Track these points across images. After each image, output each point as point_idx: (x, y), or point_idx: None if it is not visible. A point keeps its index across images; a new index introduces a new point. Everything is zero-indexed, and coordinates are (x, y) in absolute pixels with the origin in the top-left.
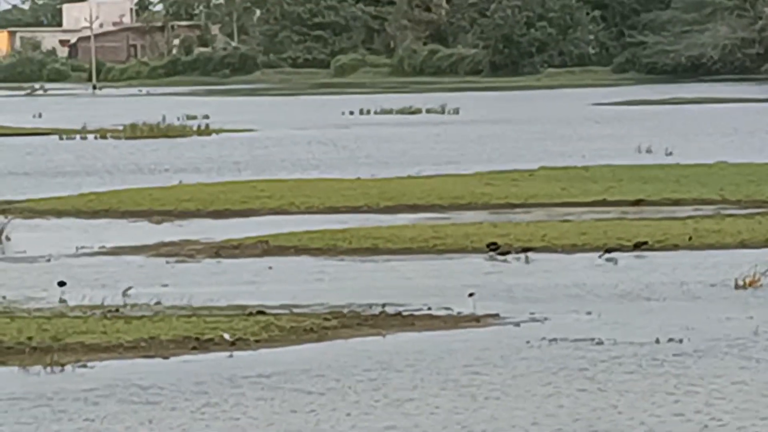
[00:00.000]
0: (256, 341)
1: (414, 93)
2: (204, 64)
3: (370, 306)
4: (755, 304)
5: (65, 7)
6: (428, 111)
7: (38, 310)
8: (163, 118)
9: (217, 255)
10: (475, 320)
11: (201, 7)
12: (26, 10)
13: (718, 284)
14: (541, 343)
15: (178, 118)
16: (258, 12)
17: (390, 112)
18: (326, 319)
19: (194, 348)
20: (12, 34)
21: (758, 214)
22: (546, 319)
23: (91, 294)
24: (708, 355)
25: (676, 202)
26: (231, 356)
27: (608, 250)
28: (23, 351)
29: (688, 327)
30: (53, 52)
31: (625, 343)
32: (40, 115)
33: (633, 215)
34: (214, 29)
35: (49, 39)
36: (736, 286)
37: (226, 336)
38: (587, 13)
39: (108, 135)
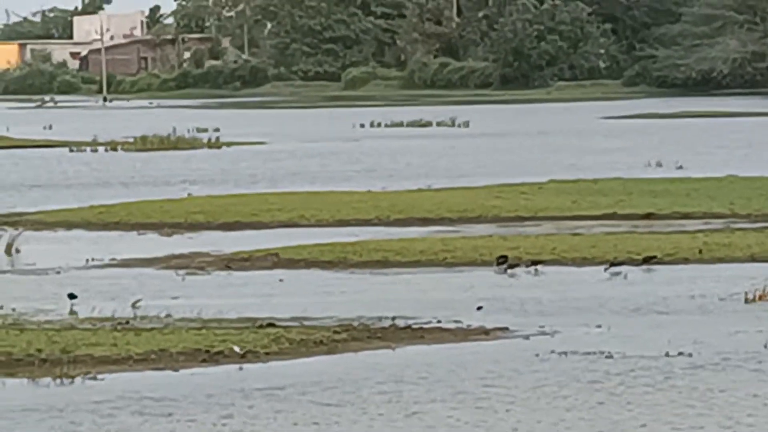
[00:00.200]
0: (266, 354)
1: (424, 106)
2: (215, 76)
3: (380, 319)
4: (765, 317)
5: (76, 19)
6: (438, 124)
7: (48, 322)
8: (174, 131)
9: (227, 267)
10: (485, 333)
11: (212, 20)
12: (37, 23)
13: (728, 298)
14: (552, 356)
15: (189, 131)
16: (269, 25)
17: (400, 124)
18: (336, 332)
19: (204, 360)
20: (23, 46)
21: None
22: (556, 332)
23: (101, 306)
24: (722, 368)
25: (686, 216)
26: (241, 369)
27: (613, 264)
28: (33, 363)
29: (698, 341)
30: (64, 64)
31: (637, 357)
32: (50, 127)
33: (643, 229)
34: (225, 42)
35: (59, 51)
36: (746, 300)
37: (236, 348)
38: (598, 27)
39: (118, 147)
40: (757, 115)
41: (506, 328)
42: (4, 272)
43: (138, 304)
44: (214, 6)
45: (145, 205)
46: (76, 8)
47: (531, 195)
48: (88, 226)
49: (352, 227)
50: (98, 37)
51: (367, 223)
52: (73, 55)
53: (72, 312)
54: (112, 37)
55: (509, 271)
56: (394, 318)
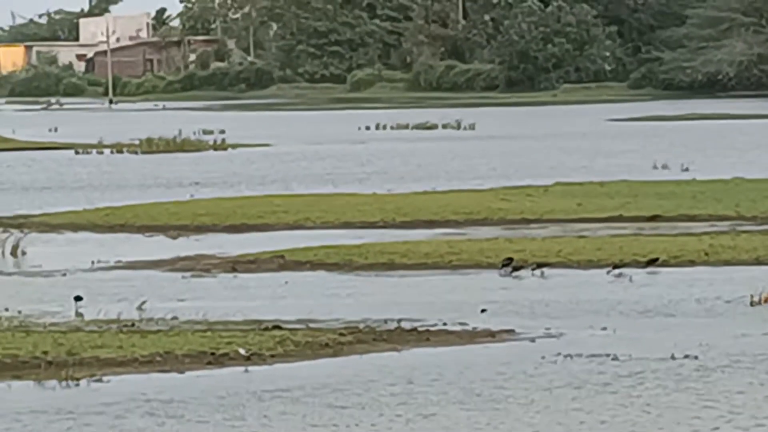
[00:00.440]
0: (272, 356)
1: (430, 108)
2: (220, 78)
3: (386, 321)
4: None
5: (82, 21)
6: (444, 126)
7: (54, 324)
8: (179, 133)
9: (233, 270)
10: (491, 335)
11: (217, 22)
12: (43, 25)
13: (734, 301)
14: (559, 359)
15: (194, 133)
16: (274, 27)
17: (406, 127)
18: (342, 335)
19: (210, 363)
20: (28, 48)
21: None
22: (562, 334)
23: (107, 308)
24: (734, 371)
25: (692, 218)
26: (247, 371)
27: (616, 266)
28: (39, 365)
29: (705, 343)
30: (69, 66)
31: (644, 359)
32: (56, 130)
33: (649, 231)
34: (231, 44)
35: (65, 53)
36: (752, 303)
37: (242, 351)
38: (603, 29)
39: (124, 149)
40: (763, 118)
41: (512, 331)
42: (10, 274)
43: (143, 307)
44: (220, 8)
45: (151, 207)
46: (82, 10)
47: (537, 197)
48: (94, 228)
49: (357, 230)
50: (104, 39)
51: (372, 225)
52: (79, 57)
53: (78, 314)
54: (117, 39)
55: (514, 273)
56: (399, 320)
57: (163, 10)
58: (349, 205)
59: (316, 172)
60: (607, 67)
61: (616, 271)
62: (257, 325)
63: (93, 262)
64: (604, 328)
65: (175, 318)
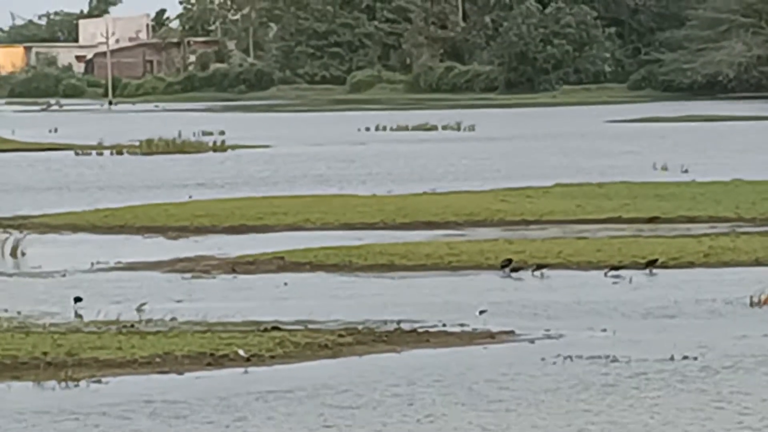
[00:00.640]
0: (271, 357)
1: (430, 110)
2: (220, 80)
3: (386, 322)
4: None
5: (81, 22)
6: (444, 128)
7: (53, 325)
8: (179, 134)
9: (232, 271)
10: (491, 336)
11: (217, 23)
12: (42, 26)
13: (733, 302)
14: (559, 360)
15: (194, 134)
16: (274, 27)
17: (406, 128)
18: (341, 336)
19: (209, 364)
20: (28, 49)
21: None
22: (561, 335)
23: (107, 309)
24: (734, 372)
25: (692, 220)
26: (246, 372)
27: (614, 268)
28: (38, 366)
29: (704, 344)
30: (69, 67)
31: (645, 360)
32: (56, 131)
33: (648, 232)
34: (231, 45)
35: (65, 54)
36: (751, 304)
37: (241, 352)
38: (603, 31)
39: (124, 150)
40: (762, 119)
41: (512, 332)
42: (9, 275)
43: (143, 308)
44: (220, 9)
45: (151, 208)
46: (82, 11)
47: (536, 199)
48: (94, 229)
49: (357, 231)
50: (103, 40)
51: (372, 226)
52: (79, 58)
53: (77, 315)
54: (117, 41)
55: (513, 274)
56: (399, 321)
57: (162, 12)
58: (348, 206)
59: (316, 173)
60: (607, 69)
61: (614, 272)
62: (257, 327)
63: (92, 263)
64: (604, 330)
65: (174, 319)
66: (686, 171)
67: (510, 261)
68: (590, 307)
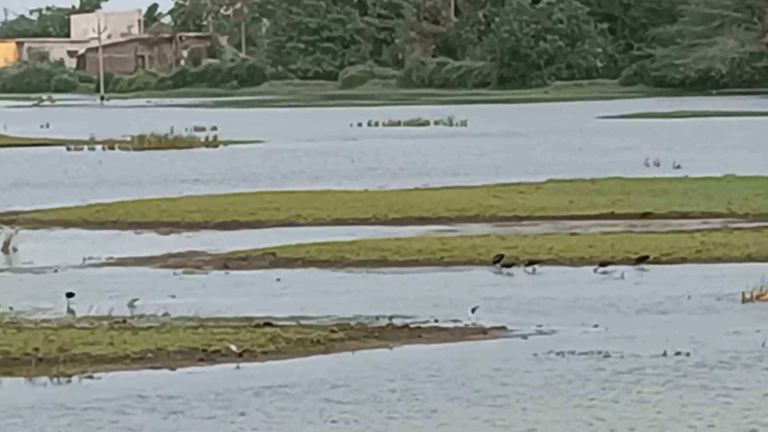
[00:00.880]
0: (264, 353)
1: (422, 105)
2: (212, 75)
3: (378, 318)
4: (762, 317)
5: (73, 17)
6: (436, 123)
7: (45, 320)
8: (171, 130)
9: (224, 266)
10: (483, 332)
11: (209, 19)
12: (34, 21)
13: (725, 298)
14: (551, 356)
15: (186, 130)
16: (266, 23)
17: (398, 124)
18: (333, 331)
19: (201, 359)
20: (20, 44)
21: (765, 227)
22: (553, 331)
23: (99, 305)
24: (730, 368)
25: (684, 216)
26: (238, 368)
27: (602, 264)
28: (30, 362)
29: (696, 340)
30: (61, 62)
31: (636, 356)
32: (47, 126)
33: (640, 228)
34: (223, 40)
35: (57, 50)
36: (744, 300)
37: (234, 347)
38: (595, 26)
39: (116, 146)
40: (755, 115)
41: (504, 328)
42: (1, 271)
43: (135, 303)
44: (212, 4)
45: (143, 203)
46: (74, 6)
47: (529, 194)
48: (86, 224)
49: (349, 226)
50: (95, 35)
51: (364, 222)
52: (71, 53)
53: (69, 311)
54: (109, 36)
55: (505, 270)
56: (391, 317)
57: (154, 7)
58: (341, 201)
59: (308, 168)
60: (599, 64)
61: (603, 269)
62: (249, 322)
63: (84, 259)
64: (596, 325)
65: (166, 315)
66: (679, 167)
67: (502, 256)
68: (582, 303)
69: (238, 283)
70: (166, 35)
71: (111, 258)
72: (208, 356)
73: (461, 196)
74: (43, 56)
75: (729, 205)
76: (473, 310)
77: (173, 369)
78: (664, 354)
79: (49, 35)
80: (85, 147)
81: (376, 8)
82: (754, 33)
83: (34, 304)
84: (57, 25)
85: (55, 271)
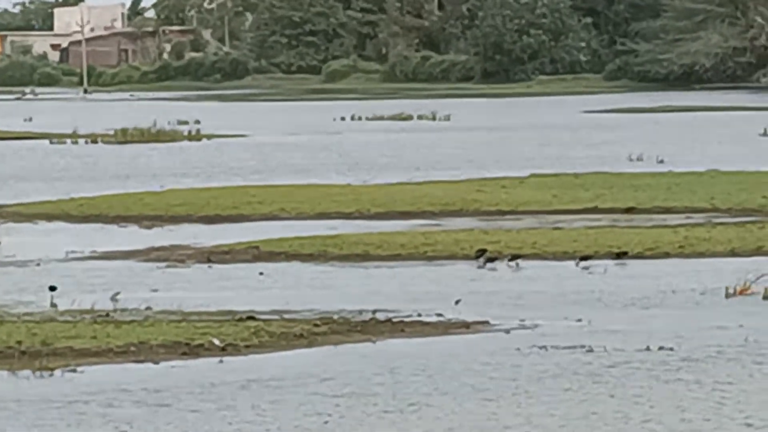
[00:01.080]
0: (246, 347)
1: (405, 99)
2: (195, 69)
3: (361, 312)
4: (746, 312)
5: (56, 11)
6: (420, 117)
7: (28, 314)
8: (154, 123)
9: (207, 260)
10: (465, 327)
11: (192, 12)
12: (17, 14)
13: (709, 292)
14: (535, 350)
15: (169, 123)
16: (249, 17)
17: (381, 118)
18: (316, 325)
19: (184, 353)
20: (3, 37)
21: (749, 222)
22: (536, 326)
23: (81, 298)
24: (716, 362)
25: (668, 210)
26: (221, 362)
27: (583, 258)
28: (12, 355)
29: (680, 335)
30: (44, 56)
31: (619, 350)
32: (30, 120)
33: (624, 223)
34: (206, 34)
35: (40, 43)
36: (727, 295)
37: (216, 341)
38: (579, 21)
39: (99, 139)
40: (738, 110)
41: (486, 322)
42: None
43: (118, 297)
44: None
45: (126, 197)
46: (57, 0)
47: (512, 189)
48: (69, 218)
49: (332, 220)
50: (79, 28)
51: (347, 216)
52: (54, 46)
53: (52, 304)
54: (92, 29)
55: (488, 264)
56: (374, 311)
57: (138, 0)
58: (324, 195)
59: (292, 162)
60: (583, 59)
61: (584, 263)
62: (232, 316)
63: (67, 253)
64: (579, 320)
65: (149, 308)
66: (662, 162)
67: (485, 251)
68: (565, 297)
69: (221, 277)
70: (150, 29)
71: (94, 251)
72: (192, 350)
73: (444, 191)
74: (26, 50)
75: (712, 200)
76: (456, 302)
77: (156, 363)
78: (648, 348)
79: (32, 28)
80: (69, 140)
81: (359, 2)
82: (737, 28)
83: (16, 297)
84: (40, 18)
85: (38, 264)
